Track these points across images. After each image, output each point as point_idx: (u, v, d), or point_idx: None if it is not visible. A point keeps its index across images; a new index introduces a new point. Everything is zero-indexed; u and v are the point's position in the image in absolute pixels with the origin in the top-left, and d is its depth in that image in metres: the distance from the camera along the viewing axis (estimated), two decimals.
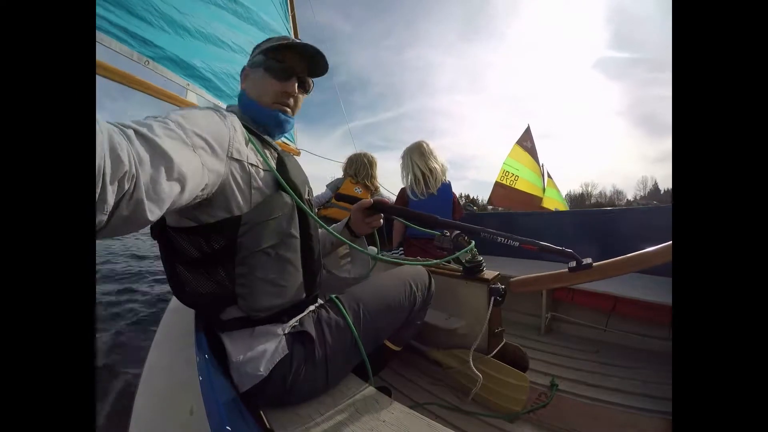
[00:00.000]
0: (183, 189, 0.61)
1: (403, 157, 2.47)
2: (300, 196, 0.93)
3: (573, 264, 1.02)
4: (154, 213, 0.53)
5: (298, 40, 0.99)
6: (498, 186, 7.91)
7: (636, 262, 0.92)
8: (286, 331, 0.93)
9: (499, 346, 1.42)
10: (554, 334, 2.23)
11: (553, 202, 8.54)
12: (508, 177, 7.96)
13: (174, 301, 1.18)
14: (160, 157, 0.56)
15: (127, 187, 0.47)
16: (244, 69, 1.03)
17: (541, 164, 8.51)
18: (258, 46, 1.03)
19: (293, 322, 0.96)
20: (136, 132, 0.54)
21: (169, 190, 0.57)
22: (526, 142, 8.42)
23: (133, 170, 0.48)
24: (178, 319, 1.06)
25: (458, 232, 1.40)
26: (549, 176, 8.79)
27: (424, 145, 2.41)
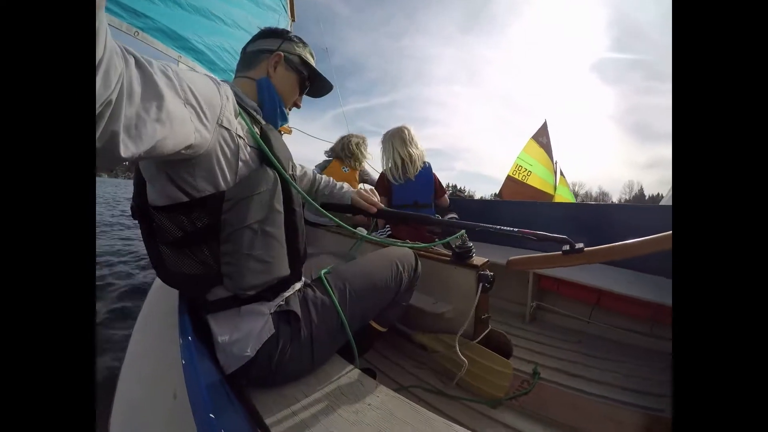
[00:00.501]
0: (168, 136, 0.58)
1: (383, 142, 2.45)
2: (285, 170, 0.93)
3: (566, 248, 1.04)
4: (129, 150, 0.49)
5: (330, 82, 1.20)
6: (509, 180, 7.81)
7: (625, 250, 0.93)
8: (272, 310, 0.93)
9: (485, 332, 1.43)
10: (538, 323, 2.26)
11: (565, 201, 8.52)
12: (521, 172, 7.86)
13: (157, 282, 1.17)
14: (152, 93, 0.53)
15: (98, 110, 0.43)
16: (276, 53, 1.04)
17: (554, 161, 8.45)
18: (293, 40, 1.08)
19: (279, 300, 0.96)
20: (136, 61, 0.51)
21: (153, 132, 0.53)
22: (541, 137, 8.27)
23: (113, 96, 0.44)
24: (161, 300, 1.05)
25: (450, 216, 1.41)
26: (561, 174, 8.74)
27: (405, 131, 2.39)
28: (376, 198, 1.45)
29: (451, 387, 1.37)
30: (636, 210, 2.58)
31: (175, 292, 0.96)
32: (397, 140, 2.36)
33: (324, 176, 1.52)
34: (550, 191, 8.24)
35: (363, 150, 2.81)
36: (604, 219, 2.67)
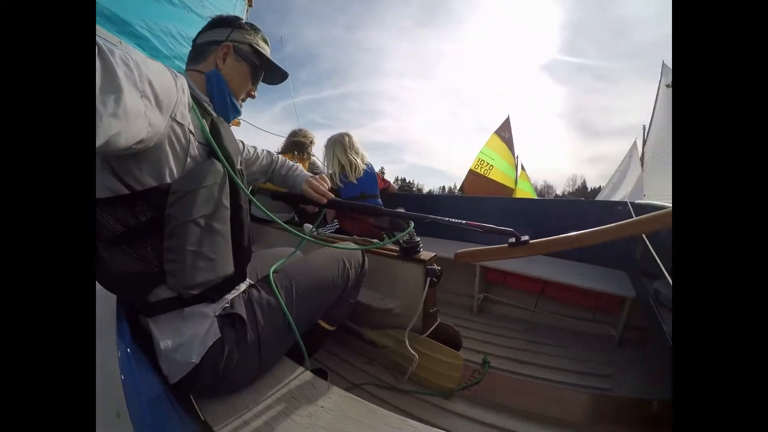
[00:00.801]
0: (122, 131, 0.56)
1: (326, 147, 2.53)
2: (232, 166, 0.89)
3: (512, 240, 1.07)
4: None
5: (284, 69, 1.14)
6: (471, 174, 8.06)
7: (568, 242, 0.97)
8: (217, 313, 0.90)
9: (434, 325, 1.45)
10: (486, 314, 2.34)
11: (525, 195, 8.83)
12: (483, 166, 8.12)
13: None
14: (112, 85, 0.51)
15: None
16: (223, 44, 0.99)
17: (516, 156, 8.71)
18: (244, 28, 1.03)
19: (224, 303, 0.93)
20: (99, 49, 0.49)
21: (108, 127, 0.51)
22: (504, 132, 8.59)
23: None
24: (98, 308, 0.99)
25: (398, 209, 1.42)
26: (522, 168, 9.04)
27: (346, 137, 2.47)
28: (326, 186, 1.41)
29: (404, 381, 1.38)
30: (577, 204, 2.73)
31: (113, 299, 0.91)
32: (338, 147, 2.43)
33: (280, 156, 1.47)
34: (511, 185, 8.56)
35: (311, 145, 2.80)
36: (547, 213, 2.82)
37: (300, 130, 2.80)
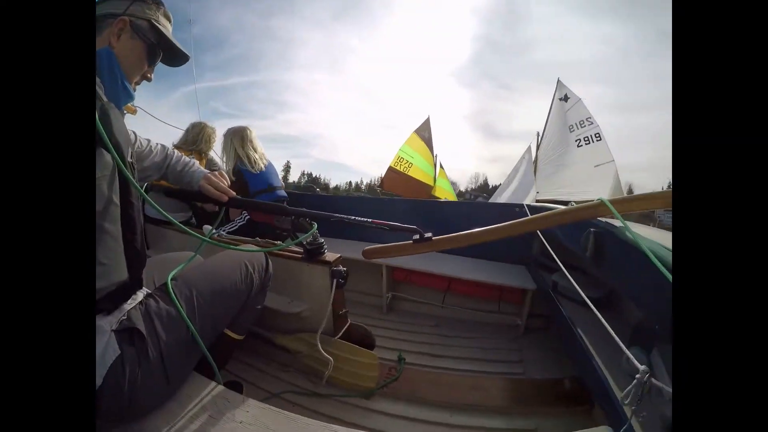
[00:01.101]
0: None
1: (225, 137, 2.45)
2: (123, 158, 0.81)
3: (417, 237, 1.10)
4: None
5: (185, 52, 1.04)
6: (391, 171, 8.39)
7: (467, 238, 1.02)
8: (114, 327, 0.81)
9: (345, 327, 1.46)
10: (396, 312, 2.42)
11: (444, 192, 9.26)
12: (402, 163, 8.46)
13: None
14: None
15: None
16: (120, 18, 0.87)
17: (435, 155, 9.06)
18: (145, 1, 0.92)
19: (120, 316, 0.84)
20: None
21: None
22: (424, 132, 8.99)
23: None
24: None
25: (303, 209, 1.39)
26: (441, 167, 9.41)
27: (247, 131, 2.43)
28: (225, 183, 1.28)
29: (322, 386, 1.37)
30: (479, 206, 2.92)
31: None
32: (236, 138, 2.38)
33: (176, 151, 1.33)
34: (430, 182, 8.96)
35: (213, 140, 2.68)
36: (451, 213, 3.02)
37: (200, 123, 2.66)
